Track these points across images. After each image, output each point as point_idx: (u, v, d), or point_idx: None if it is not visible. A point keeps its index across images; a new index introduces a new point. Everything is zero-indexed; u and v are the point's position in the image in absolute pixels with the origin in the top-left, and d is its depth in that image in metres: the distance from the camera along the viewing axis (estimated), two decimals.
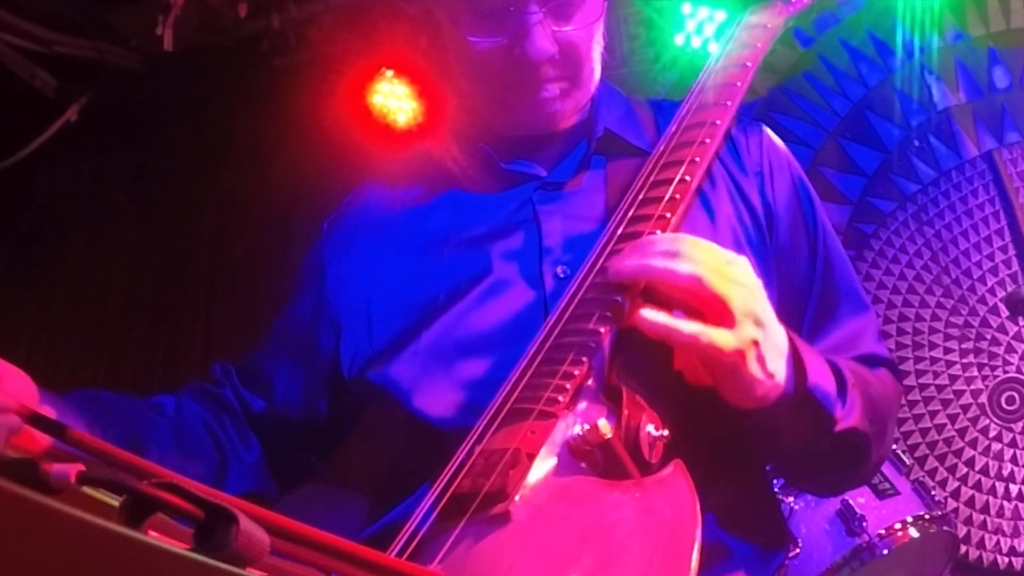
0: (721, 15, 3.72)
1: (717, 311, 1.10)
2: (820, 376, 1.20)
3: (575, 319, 1.18)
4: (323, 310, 1.46)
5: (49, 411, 1.18)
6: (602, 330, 1.14)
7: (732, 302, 1.10)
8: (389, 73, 3.97)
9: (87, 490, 0.55)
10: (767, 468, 1.41)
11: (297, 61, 4.08)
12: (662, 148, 1.37)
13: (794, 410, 1.17)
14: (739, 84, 1.43)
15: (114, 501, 0.55)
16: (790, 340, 1.18)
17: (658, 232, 1.23)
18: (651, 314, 1.10)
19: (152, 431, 1.36)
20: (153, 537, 0.51)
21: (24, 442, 1.03)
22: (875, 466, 1.38)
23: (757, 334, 1.11)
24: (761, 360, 1.12)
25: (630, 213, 1.28)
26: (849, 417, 1.23)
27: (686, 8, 3.78)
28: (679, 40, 3.82)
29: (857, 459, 1.30)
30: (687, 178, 1.29)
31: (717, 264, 1.12)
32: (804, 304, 1.39)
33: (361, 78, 3.99)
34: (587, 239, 1.30)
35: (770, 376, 1.13)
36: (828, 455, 1.27)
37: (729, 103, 1.40)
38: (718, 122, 1.37)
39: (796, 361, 1.18)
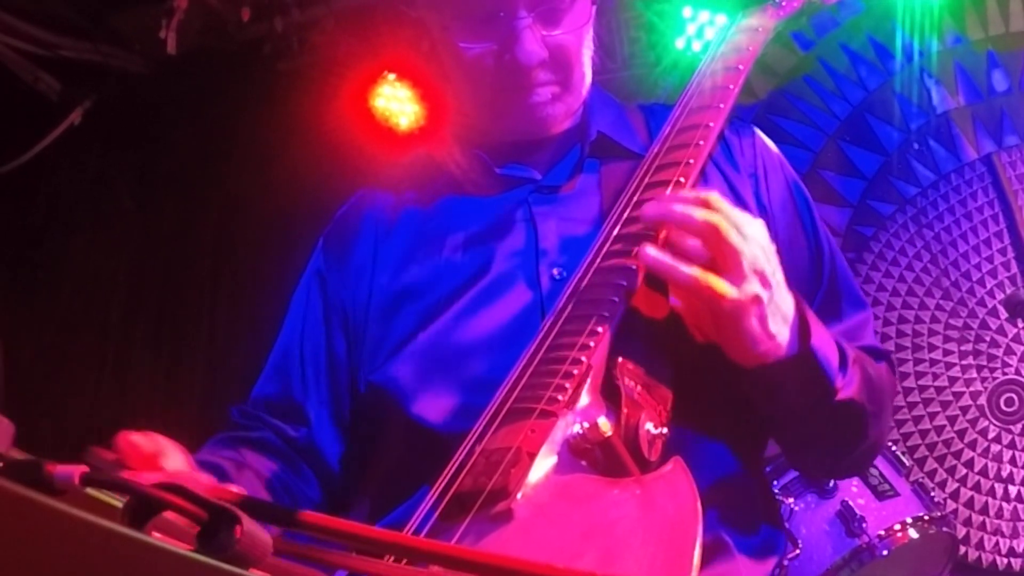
0: (722, 19, 3.71)
1: (727, 261, 1.12)
2: (823, 343, 1.21)
3: (572, 319, 1.18)
4: (332, 318, 1.47)
5: (237, 490, 1.15)
6: (600, 330, 1.15)
7: (743, 255, 1.12)
8: (391, 76, 3.99)
9: (91, 491, 0.55)
10: (768, 469, 1.41)
11: (300, 64, 4.10)
12: (656, 150, 1.37)
13: (795, 372, 1.19)
14: (731, 87, 1.43)
15: (118, 502, 0.56)
16: (797, 306, 1.20)
17: (654, 234, 1.23)
18: (653, 251, 1.12)
19: (259, 492, 1.36)
20: (156, 538, 0.51)
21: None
22: (869, 450, 1.39)
23: (762, 292, 1.13)
24: (763, 319, 1.13)
25: (625, 215, 1.28)
26: (848, 388, 1.24)
27: (687, 12, 3.78)
28: (680, 44, 3.82)
29: (854, 433, 1.31)
30: (681, 179, 1.30)
31: (735, 218, 1.14)
32: (808, 301, 1.40)
33: (363, 81, 4.00)
34: (582, 241, 1.31)
35: (771, 336, 1.15)
36: (826, 424, 1.28)
37: (722, 105, 1.41)
38: (711, 124, 1.37)
39: (802, 325, 1.19)
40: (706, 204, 1.15)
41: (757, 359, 1.16)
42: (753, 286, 1.12)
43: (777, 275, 1.16)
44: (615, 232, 1.26)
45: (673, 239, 1.16)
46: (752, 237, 1.14)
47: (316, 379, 1.47)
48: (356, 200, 1.57)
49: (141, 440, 1.15)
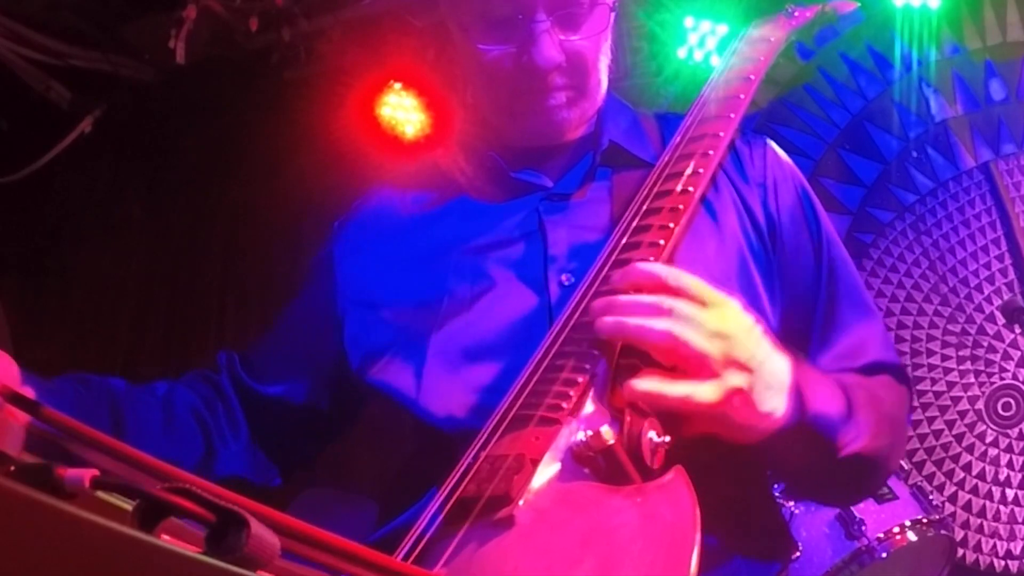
0: (723, 29, 3.71)
1: (696, 366, 1.09)
2: (823, 404, 1.19)
3: (579, 327, 1.18)
4: (331, 308, 1.47)
5: (29, 392, 1.18)
6: (605, 338, 1.14)
7: (711, 355, 1.08)
8: (397, 85, 3.99)
9: (101, 494, 0.55)
10: (769, 473, 1.42)
11: (307, 74, 4.10)
12: (666, 160, 1.37)
13: (796, 439, 1.17)
14: (742, 97, 1.44)
15: (127, 505, 0.55)
16: (794, 370, 1.17)
17: (662, 243, 1.23)
18: (639, 384, 1.09)
19: (135, 413, 1.37)
20: (166, 541, 0.52)
21: (2, 419, 1.05)
22: (886, 477, 1.39)
23: (742, 382, 1.10)
24: (750, 405, 1.11)
25: (634, 223, 1.28)
26: (856, 442, 1.21)
27: (688, 22, 3.77)
28: (682, 53, 3.81)
29: (865, 478, 1.31)
30: (691, 189, 1.29)
31: (699, 313, 1.10)
32: (811, 313, 1.39)
33: (370, 90, 4.01)
34: (592, 248, 1.31)
35: (765, 416, 1.12)
36: (835, 476, 1.27)
37: (732, 115, 1.41)
38: (721, 134, 1.37)
39: (798, 392, 1.16)
40: (658, 308, 1.10)
41: (755, 437, 1.14)
42: (730, 380, 1.09)
43: (759, 353, 1.12)
44: (624, 240, 1.26)
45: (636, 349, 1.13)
46: (718, 330, 1.10)
47: (297, 355, 1.49)
48: (371, 196, 1.57)
49: None
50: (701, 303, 1.11)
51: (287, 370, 1.49)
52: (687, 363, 1.10)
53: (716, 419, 1.11)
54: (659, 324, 1.09)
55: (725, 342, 1.10)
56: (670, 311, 1.10)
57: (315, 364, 1.47)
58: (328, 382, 1.47)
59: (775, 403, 1.13)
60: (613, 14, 1.42)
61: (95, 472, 0.55)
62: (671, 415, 1.13)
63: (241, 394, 1.49)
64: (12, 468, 0.53)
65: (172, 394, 1.45)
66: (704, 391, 1.08)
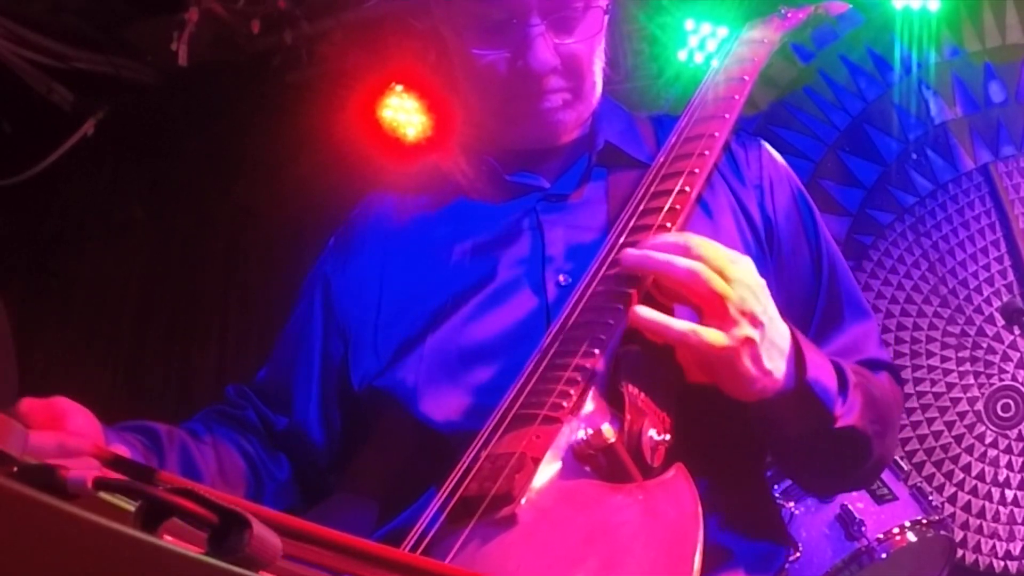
0: (723, 31, 3.70)
1: (713, 308, 1.11)
2: (821, 372, 1.20)
3: (578, 326, 1.19)
4: (331, 321, 1.47)
5: (121, 450, 1.19)
6: (604, 337, 1.15)
7: (729, 300, 1.10)
8: (399, 88, 4.00)
9: (103, 495, 0.56)
10: (768, 473, 1.42)
11: (309, 76, 4.10)
12: (662, 160, 1.38)
13: (794, 404, 1.18)
14: (737, 97, 1.44)
15: (130, 506, 0.56)
16: (793, 338, 1.19)
17: (668, 226, 1.24)
18: (644, 311, 1.11)
19: (201, 460, 1.37)
20: (168, 541, 0.52)
21: (4, 420, 1.04)
22: (876, 466, 1.38)
23: (753, 333, 1.11)
24: (756, 358, 1.12)
25: (631, 223, 1.29)
26: (849, 415, 1.23)
27: (689, 24, 3.77)
28: (682, 56, 3.82)
29: (856, 457, 1.31)
30: (687, 188, 1.30)
31: (719, 262, 1.12)
32: (809, 313, 1.40)
33: (371, 93, 4.01)
34: (589, 248, 1.31)
35: (767, 373, 1.13)
36: (828, 451, 1.27)
37: (727, 116, 1.41)
38: (716, 134, 1.38)
39: (798, 357, 1.18)
40: (686, 249, 1.13)
41: (754, 395, 1.15)
42: (743, 329, 1.11)
43: (769, 311, 1.15)
44: (621, 240, 1.27)
45: (660, 285, 1.15)
46: (737, 279, 1.12)
47: (307, 377, 1.47)
48: (367, 204, 1.58)
49: (41, 403, 1.15)
50: (720, 256, 1.14)
51: (303, 396, 1.48)
52: (706, 303, 1.11)
53: (720, 365, 1.12)
54: (684, 261, 1.11)
55: (741, 291, 1.12)
56: (698, 254, 1.13)
57: (326, 383, 1.47)
58: (337, 398, 1.47)
59: (777, 362, 1.15)
60: (607, 17, 1.42)
61: (97, 472, 0.55)
62: (671, 399, 1.14)
63: (267, 427, 1.48)
64: (15, 469, 0.54)
65: (216, 435, 1.43)
66: (712, 334, 1.10)
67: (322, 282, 1.51)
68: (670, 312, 1.17)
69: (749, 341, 1.11)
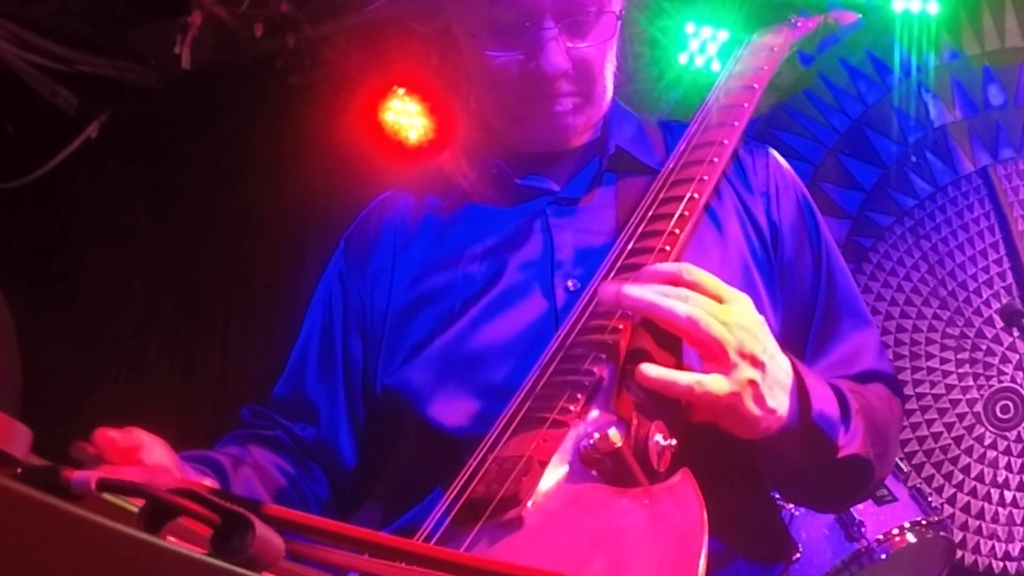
0: (724, 35, 3.72)
1: (713, 353, 1.10)
2: (824, 404, 1.19)
3: (586, 331, 1.19)
4: (350, 323, 1.47)
5: (209, 481, 1.18)
6: (612, 341, 1.16)
7: (728, 345, 1.09)
8: (401, 91, 4.01)
9: (107, 496, 0.55)
10: (771, 489, 1.43)
11: (311, 79, 4.12)
12: (671, 166, 1.38)
13: (798, 439, 1.17)
14: (746, 105, 1.45)
15: (133, 507, 0.56)
16: (795, 371, 1.18)
17: (668, 249, 1.24)
18: (650, 370, 1.09)
19: (260, 487, 1.37)
20: (171, 542, 0.52)
21: (9, 422, 1.04)
22: (877, 484, 1.38)
23: (754, 375, 1.10)
24: (759, 399, 1.11)
25: (640, 229, 1.29)
26: (852, 444, 1.22)
27: (689, 28, 3.78)
28: (683, 59, 3.82)
29: (859, 482, 1.31)
30: (695, 196, 1.30)
31: (716, 306, 1.11)
32: (808, 320, 1.40)
33: (373, 96, 4.03)
34: (598, 253, 1.32)
35: (771, 412, 1.13)
36: (831, 479, 1.27)
37: (736, 123, 1.42)
38: (726, 142, 1.39)
39: (800, 392, 1.17)
40: (684, 295, 1.11)
41: (759, 434, 1.15)
42: (744, 372, 1.10)
43: (769, 348, 1.14)
44: (630, 246, 1.27)
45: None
46: (734, 321, 1.11)
47: (330, 381, 1.47)
48: (377, 205, 1.58)
49: (118, 435, 1.14)
50: (717, 298, 1.13)
51: (328, 401, 1.47)
52: (706, 349, 1.10)
53: (723, 410, 1.11)
54: (683, 308, 1.10)
55: (740, 334, 1.11)
56: (695, 299, 1.11)
57: (349, 384, 1.47)
58: (362, 397, 1.47)
59: (780, 399, 1.14)
60: (619, 22, 1.43)
61: (101, 474, 0.55)
62: (677, 405, 1.14)
63: (297, 442, 1.47)
64: (19, 470, 0.54)
65: (259, 459, 1.42)
66: (713, 381, 1.09)
67: (338, 285, 1.51)
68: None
69: (752, 383, 1.10)
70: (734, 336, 1.10)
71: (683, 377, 1.09)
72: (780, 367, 1.15)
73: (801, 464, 1.23)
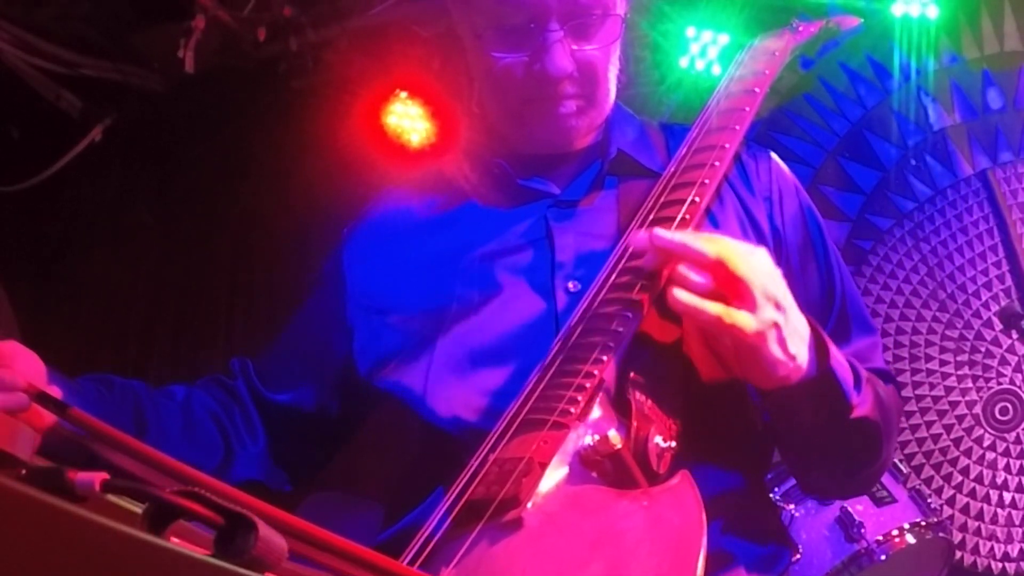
0: (724, 39, 3.71)
1: (740, 293, 1.13)
2: (839, 362, 1.22)
3: (587, 333, 1.19)
4: (340, 313, 1.48)
5: (56, 391, 1.19)
6: (612, 344, 1.16)
7: (753, 285, 1.13)
8: (403, 94, 4.01)
9: (111, 498, 0.56)
10: (769, 476, 1.43)
11: (314, 83, 4.12)
12: (673, 170, 1.39)
13: (814, 391, 1.20)
14: (747, 109, 1.45)
15: (137, 508, 0.56)
16: (812, 326, 1.21)
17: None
18: (681, 293, 1.12)
19: (157, 416, 1.38)
20: (175, 543, 0.53)
21: (31, 419, 1.05)
22: (880, 469, 1.39)
23: (778, 317, 1.14)
24: (782, 342, 1.14)
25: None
26: (864, 405, 1.24)
27: (690, 32, 3.78)
28: (683, 62, 3.81)
29: (868, 450, 1.32)
30: (697, 199, 1.31)
31: (740, 249, 1.16)
32: (820, 324, 1.37)
33: (376, 99, 4.03)
34: (599, 256, 1.32)
35: (792, 358, 1.16)
36: (842, 441, 1.28)
37: (738, 127, 1.43)
38: (727, 146, 1.39)
39: (818, 346, 1.20)
40: (712, 239, 1.17)
41: (778, 381, 1.17)
42: (769, 312, 1.13)
43: (788, 298, 1.17)
44: (631, 249, 1.28)
45: (683, 272, 1.16)
46: (758, 266, 1.16)
47: (308, 361, 1.50)
48: (381, 199, 1.59)
49: None
50: (738, 245, 1.18)
51: (297, 378, 1.50)
52: (732, 287, 1.13)
53: (748, 348, 1.14)
54: (713, 247, 1.15)
55: (764, 278, 1.15)
56: (722, 243, 1.16)
57: (324, 371, 1.48)
58: (337, 388, 1.48)
59: (800, 348, 1.17)
60: (623, 25, 1.44)
61: (105, 476, 0.55)
62: (677, 408, 1.16)
63: (256, 400, 1.50)
64: (24, 472, 0.54)
65: (191, 398, 1.46)
66: (743, 317, 1.12)
67: (337, 273, 1.52)
68: (678, 322, 1.20)
69: (775, 324, 1.14)
70: (758, 278, 1.14)
71: (713, 306, 1.12)
72: (799, 318, 1.19)
73: (816, 421, 1.24)
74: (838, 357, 1.23)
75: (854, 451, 1.31)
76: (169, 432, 1.39)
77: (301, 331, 1.55)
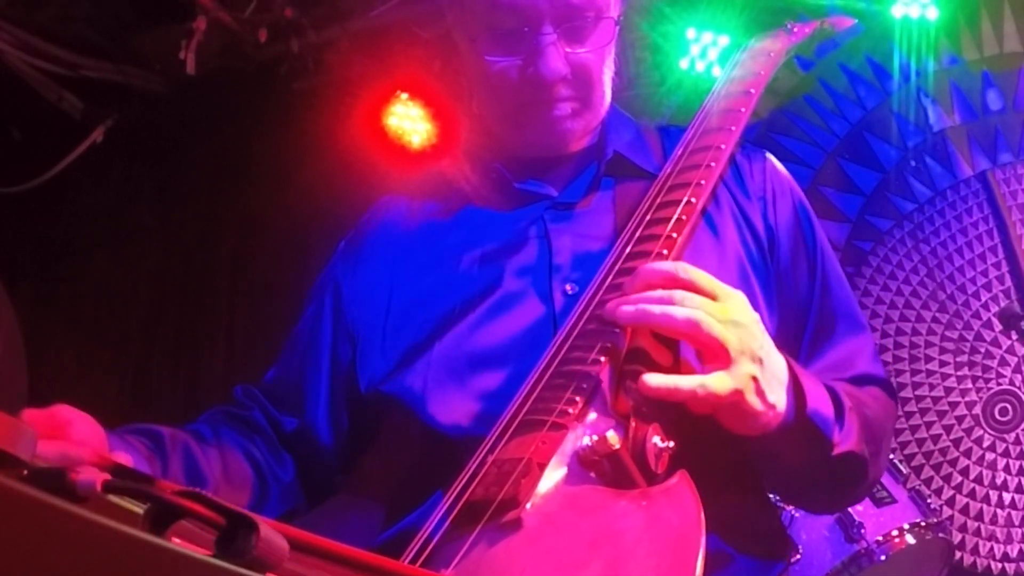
0: (724, 40, 3.74)
1: (714, 352, 1.11)
2: (819, 402, 1.20)
3: (584, 335, 1.19)
4: (340, 324, 1.48)
5: (124, 457, 1.19)
6: (610, 345, 1.16)
7: (728, 343, 1.10)
8: (404, 96, 4.02)
9: (112, 498, 0.55)
10: (767, 491, 1.43)
11: (315, 84, 4.13)
12: (669, 171, 1.39)
13: (794, 436, 1.18)
14: (743, 110, 1.45)
15: (139, 509, 0.56)
16: (789, 368, 1.19)
17: (665, 253, 1.24)
18: (653, 380, 1.10)
19: (205, 463, 1.37)
20: (176, 544, 0.52)
21: (14, 424, 1.04)
22: (871, 485, 1.37)
23: (755, 370, 1.12)
24: (761, 393, 1.12)
25: (638, 233, 1.30)
26: (847, 441, 1.23)
27: (691, 33, 3.79)
28: (684, 64, 3.84)
29: (853, 480, 1.31)
30: (693, 200, 1.31)
31: (712, 304, 1.13)
32: (803, 324, 1.40)
33: (377, 100, 4.04)
34: (596, 257, 1.32)
35: (771, 407, 1.14)
36: (826, 477, 1.28)
37: (733, 128, 1.42)
38: (723, 146, 1.39)
39: (796, 389, 1.18)
40: (681, 297, 1.12)
41: (759, 429, 1.15)
42: (745, 367, 1.11)
43: (765, 345, 1.15)
44: (628, 250, 1.28)
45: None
46: (731, 319, 1.12)
47: (316, 377, 1.48)
48: (378, 208, 1.58)
49: (43, 414, 1.14)
50: (712, 295, 1.14)
51: (308, 396, 1.48)
52: (706, 349, 1.12)
53: (727, 407, 1.12)
54: (681, 312, 1.11)
55: (738, 330, 1.12)
56: (691, 301, 1.12)
57: (334, 385, 1.47)
58: (346, 401, 1.47)
59: (779, 395, 1.15)
60: (618, 27, 1.43)
61: (107, 476, 0.55)
62: (675, 407, 1.14)
63: (275, 428, 1.48)
64: (25, 472, 0.54)
65: (221, 437, 1.43)
66: (716, 381, 1.10)
67: (332, 285, 1.52)
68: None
69: (753, 378, 1.12)
70: (732, 333, 1.11)
71: (685, 382, 1.10)
72: (776, 363, 1.17)
73: (797, 462, 1.24)
74: (817, 396, 1.21)
75: (839, 482, 1.31)
76: (216, 478, 1.37)
77: (307, 348, 1.52)
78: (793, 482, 1.34)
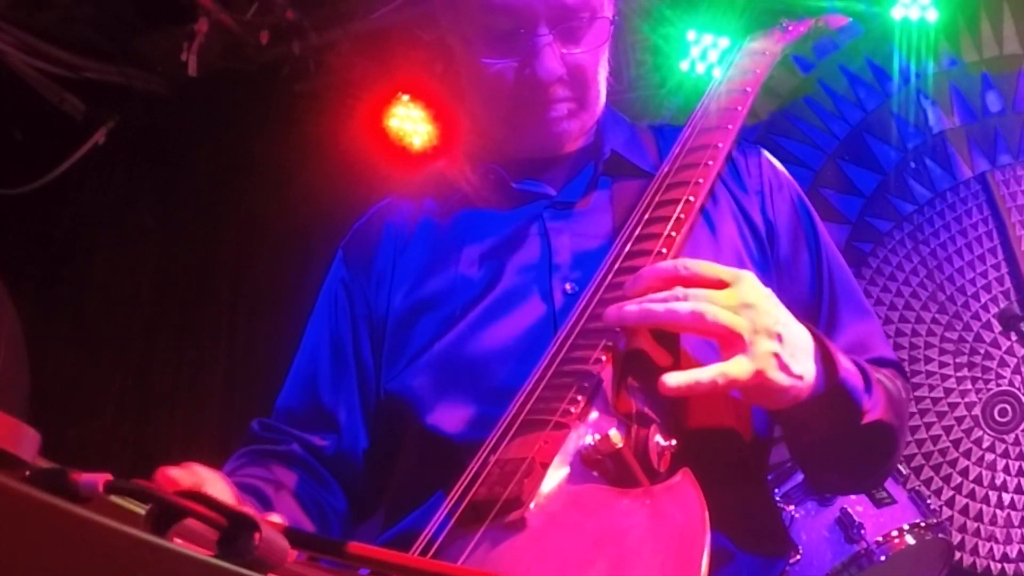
0: (724, 42, 3.74)
1: (727, 339, 1.11)
2: (848, 370, 1.20)
3: (585, 334, 1.19)
4: (359, 327, 1.47)
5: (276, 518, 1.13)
6: (611, 343, 1.16)
7: (739, 327, 1.10)
8: (405, 97, 4.02)
9: (114, 499, 0.55)
10: (770, 477, 1.42)
11: (317, 86, 4.14)
12: (666, 170, 1.39)
13: (825, 404, 1.18)
14: (739, 108, 1.46)
15: (141, 509, 0.56)
16: (815, 337, 1.18)
17: (665, 252, 1.24)
18: (672, 380, 1.09)
19: (294, 510, 1.35)
20: (178, 544, 0.52)
21: (18, 425, 1.02)
22: (896, 462, 1.37)
23: (774, 347, 1.11)
24: (785, 368, 1.12)
25: (637, 232, 1.30)
26: (876, 409, 1.22)
27: (691, 35, 3.80)
28: (684, 66, 3.84)
29: (883, 451, 1.31)
30: (691, 198, 1.31)
31: (718, 293, 1.12)
32: (810, 316, 1.39)
33: (378, 102, 4.04)
34: (595, 256, 1.32)
35: (798, 377, 1.13)
36: (856, 448, 1.27)
37: (730, 127, 1.43)
38: (720, 145, 1.40)
39: (825, 357, 1.18)
40: (684, 294, 1.12)
41: (789, 402, 1.15)
42: (763, 345, 1.10)
43: (781, 318, 1.14)
44: (627, 249, 1.28)
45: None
46: (740, 303, 1.12)
47: (346, 385, 1.45)
48: (375, 212, 1.58)
49: (180, 474, 1.14)
50: (718, 283, 1.14)
51: (347, 409, 1.45)
52: (719, 338, 1.11)
53: (752, 389, 1.12)
54: (684, 307, 1.11)
55: (750, 312, 1.12)
56: (694, 294, 1.12)
57: (364, 390, 1.46)
58: (376, 405, 1.45)
59: (805, 365, 1.15)
60: (612, 28, 1.44)
61: (109, 476, 0.55)
62: (677, 405, 1.15)
63: (317, 456, 1.44)
64: (28, 473, 0.54)
65: (281, 481, 1.39)
66: (734, 366, 1.10)
67: (343, 292, 1.51)
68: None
69: (773, 355, 1.11)
70: (743, 316, 1.11)
71: (705, 373, 1.09)
72: (797, 334, 1.16)
73: (828, 431, 1.23)
74: (846, 365, 1.20)
75: (869, 453, 1.31)
76: (301, 521, 1.35)
77: (323, 361, 1.49)
78: (821, 455, 1.32)
